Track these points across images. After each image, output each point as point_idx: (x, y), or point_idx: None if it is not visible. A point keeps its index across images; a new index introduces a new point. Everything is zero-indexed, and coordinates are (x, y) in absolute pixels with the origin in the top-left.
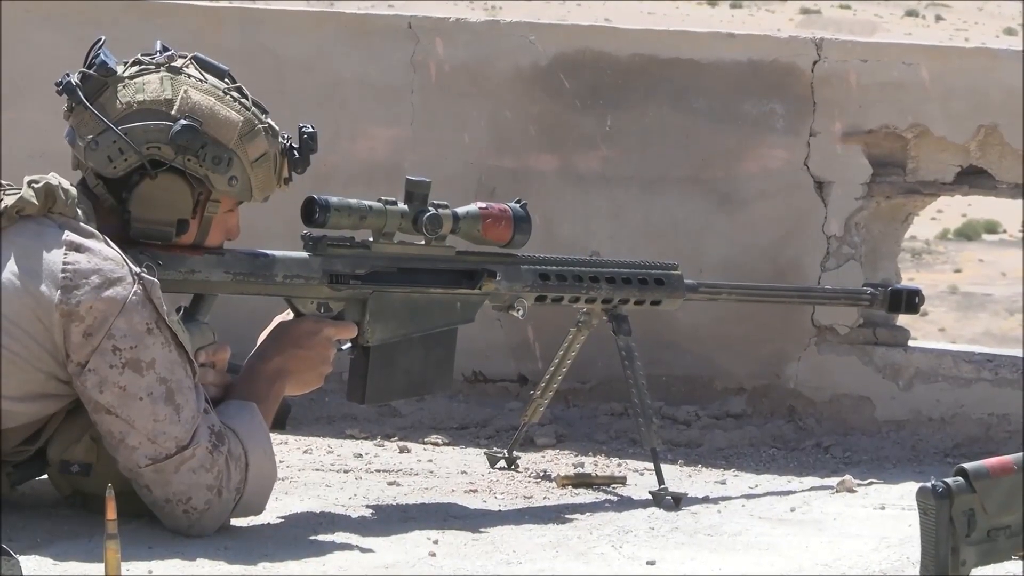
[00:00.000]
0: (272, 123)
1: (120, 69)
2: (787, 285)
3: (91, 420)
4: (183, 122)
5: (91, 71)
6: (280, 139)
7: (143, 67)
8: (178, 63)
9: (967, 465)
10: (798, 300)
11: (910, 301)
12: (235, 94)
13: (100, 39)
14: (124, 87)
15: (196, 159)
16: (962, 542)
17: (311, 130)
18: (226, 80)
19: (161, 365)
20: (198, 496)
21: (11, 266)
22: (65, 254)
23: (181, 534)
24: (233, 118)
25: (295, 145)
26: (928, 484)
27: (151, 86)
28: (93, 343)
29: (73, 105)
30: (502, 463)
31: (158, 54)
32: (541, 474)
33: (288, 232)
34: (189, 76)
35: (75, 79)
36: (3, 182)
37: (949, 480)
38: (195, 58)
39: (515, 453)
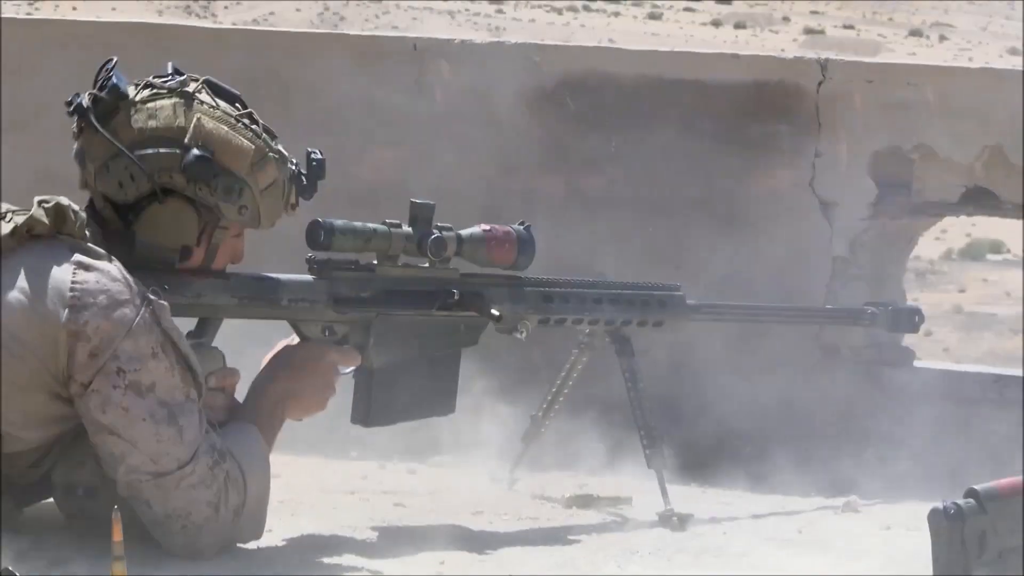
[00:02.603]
0: (282, 150)
1: (132, 91)
2: (789, 305)
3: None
4: (196, 152)
5: (102, 93)
6: (288, 165)
7: (155, 91)
8: (191, 87)
9: (979, 486)
10: (800, 320)
11: (910, 319)
12: (247, 121)
13: (112, 59)
14: (136, 112)
15: (208, 188)
16: (974, 564)
17: (319, 156)
18: (237, 106)
19: (161, 388)
20: (197, 511)
21: (20, 284)
22: (74, 274)
23: (177, 554)
24: (245, 147)
25: (303, 171)
26: (940, 505)
27: (164, 112)
28: (98, 364)
29: (83, 126)
30: (507, 484)
31: (170, 77)
32: (546, 495)
33: (293, 255)
34: (202, 103)
35: (86, 101)
36: (10, 208)
37: (961, 502)
38: (207, 82)
39: (519, 474)
